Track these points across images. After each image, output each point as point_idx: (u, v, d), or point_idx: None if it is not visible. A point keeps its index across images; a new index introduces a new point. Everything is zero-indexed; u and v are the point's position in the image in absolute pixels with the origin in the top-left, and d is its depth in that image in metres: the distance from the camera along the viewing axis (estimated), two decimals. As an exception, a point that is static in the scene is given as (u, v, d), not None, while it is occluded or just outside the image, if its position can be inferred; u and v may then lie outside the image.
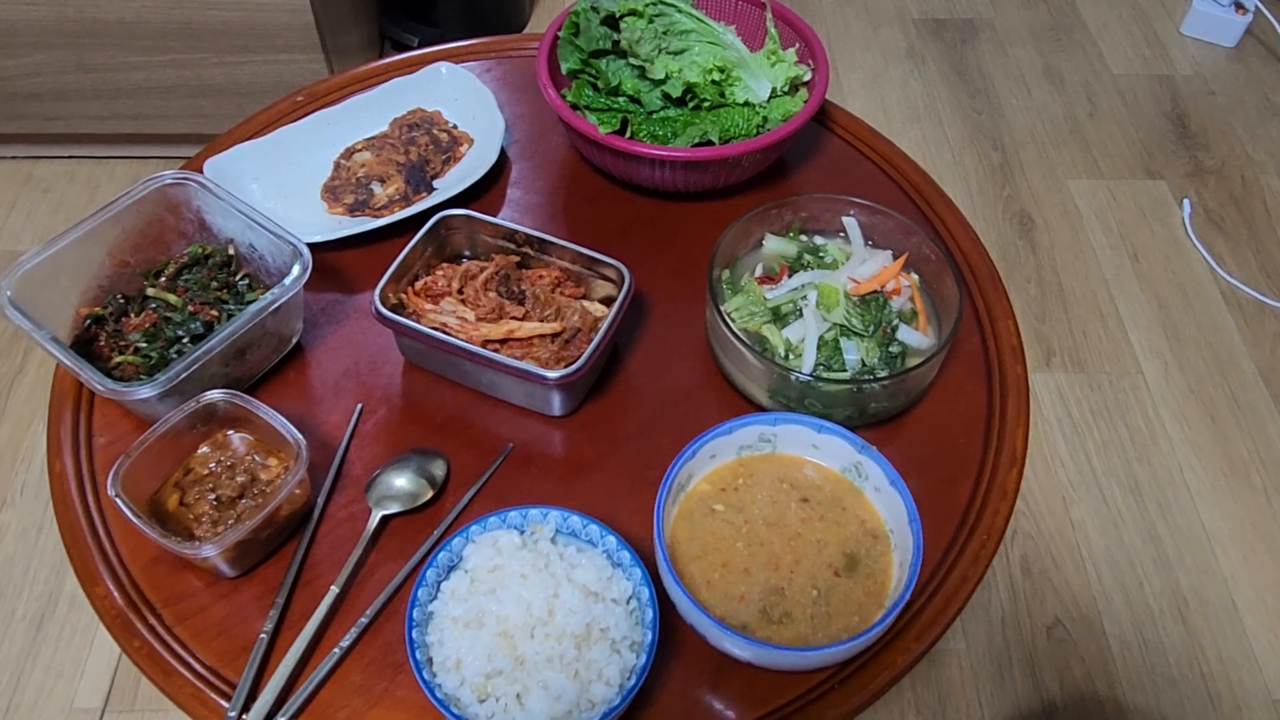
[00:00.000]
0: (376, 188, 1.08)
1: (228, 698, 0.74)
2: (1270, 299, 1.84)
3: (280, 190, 1.07)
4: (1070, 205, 2.02)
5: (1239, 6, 2.35)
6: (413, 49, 2.23)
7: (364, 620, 0.77)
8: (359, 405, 0.91)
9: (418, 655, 0.67)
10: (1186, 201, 2.00)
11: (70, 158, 2.02)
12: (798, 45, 1.11)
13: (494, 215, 1.00)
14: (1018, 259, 1.90)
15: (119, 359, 0.90)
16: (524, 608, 0.68)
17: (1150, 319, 1.82)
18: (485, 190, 1.08)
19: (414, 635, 0.68)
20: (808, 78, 1.09)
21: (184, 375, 0.81)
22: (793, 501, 0.80)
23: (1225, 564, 1.49)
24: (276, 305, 0.86)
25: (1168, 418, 1.67)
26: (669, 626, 0.73)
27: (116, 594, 0.79)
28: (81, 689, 1.33)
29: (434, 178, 1.09)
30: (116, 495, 0.75)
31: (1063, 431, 1.63)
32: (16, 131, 1.93)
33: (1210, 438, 1.65)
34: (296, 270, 0.87)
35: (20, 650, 1.36)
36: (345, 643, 0.76)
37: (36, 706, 1.32)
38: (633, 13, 1.05)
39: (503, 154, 1.11)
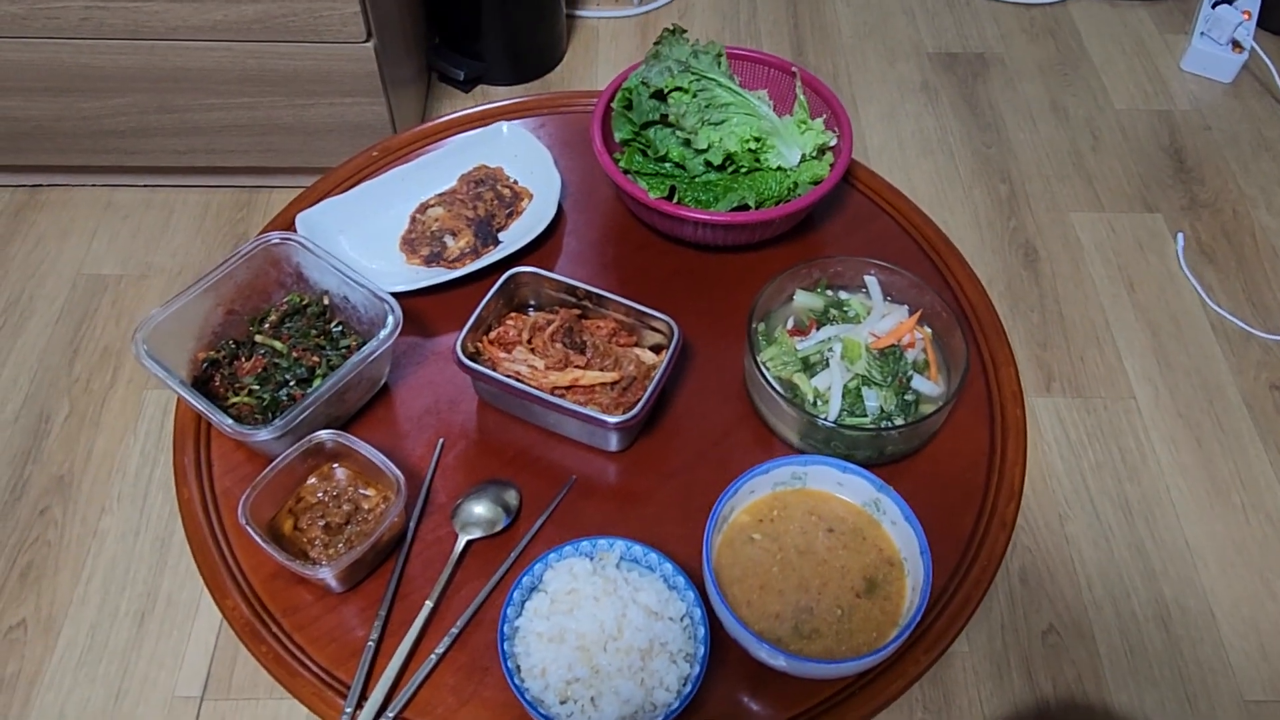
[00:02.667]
0: (449, 240, 1.16)
1: (343, 695, 0.83)
2: (1255, 329, 1.93)
3: (365, 242, 1.15)
4: (1072, 237, 2.09)
5: (1236, 45, 2.43)
6: (459, 82, 2.35)
7: (455, 630, 0.86)
8: (440, 440, 0.99)
9: (509, 664, 0.78)
10: (1180, 235, 2.08)
11: (146, 186, 2.12)
12: (825, 115, 1.20)
13: (552, 264, 1.10)
14: (1022, 288, 1.99)
15: (234, 399, 0.99)
16: (598, 625, 0.78)
17: (1144, 347, 1.90)
18: (544, 241, 1.16)
19: (505, 647, 0.78)
20: (833, 143, 1.18)
21: (298, 420, 0.91)
22: (820, 532, 0.88)
23: (1206, 577, 1.58)
24: (373, 356, 0.95)
25: (1157, 440, 1.75)
26: (715, 640, 0.82)
27: (244, 606, 0.89)
28: (181, 678, 1.44)
29: (499, 230, 1.17)
30: (247, 524, 0.85)
31: (1060, 453, 1.73)
32: (100, 163, 2.04)
33: (1196, 459, 1.73)
34: (390, 325, 0.96)
35: (125, 643, 1.47)
36: (440, 649, 0.85)
37: (143, 694, 1.43)
38: (678, 89, 1.15)
39: (559, 208, 1.18)
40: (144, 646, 1.47)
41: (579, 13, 2.59)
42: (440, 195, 1.20)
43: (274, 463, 0.90)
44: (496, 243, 1.16)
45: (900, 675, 0.86)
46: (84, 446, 1.70)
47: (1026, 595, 1.56)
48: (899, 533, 0.87)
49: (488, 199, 1.20)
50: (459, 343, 0.97)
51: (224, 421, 0.91)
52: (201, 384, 1.01)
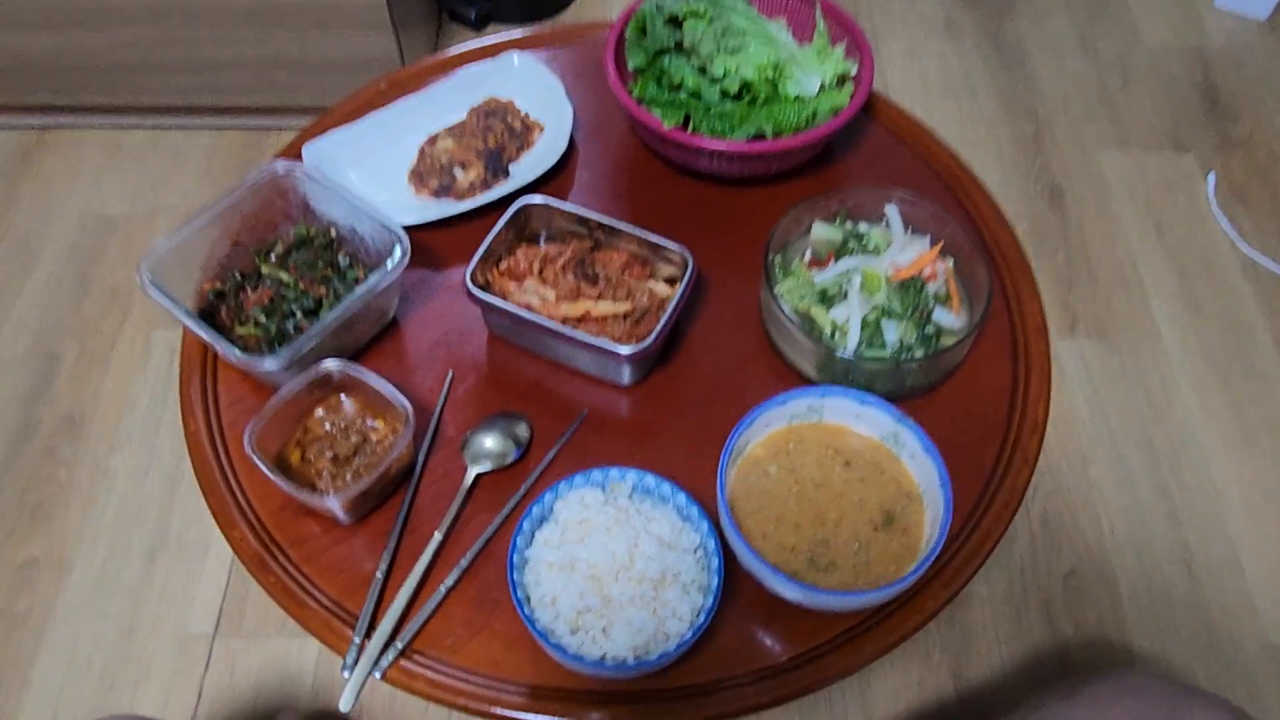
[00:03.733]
0: (459, 173, 1.14)
1: (351, 626, 0.84)
2: (1288, 270, 1.89)
3: (373, 174, 1.14)
4: (1100, 177, 2.05)
5: (1273, -21, 2.35)
6: (469, 20, 2.31)
7: (464, 563, 0.86)
8: (450, 372, 0.99)
9: (519, 594, 0.77)
10: (1212, 174, 2.03)
11: (154, 128, 2.10)
12: (845, 41, 1.17)
13: (564, 197, 1.08)
14: (1047, 229, 1.95)
15: (241, 330, 0.98)
16: (609, 555, 0.78)
17: (1172, 288, 1.86)
18: (556, 174, 1.14)
19: (515, 577, 0.78)
20: (854, 72, 1.15)
21: (304, 349, 0.90)
22: (837, 465, 0.88)
23: (1231, 521, 1.56)
24: (381, 287, 0.94)
25: (1184, 383, 1.73)
26: (729, 572, 0.81)
27: (251, 537, 0.89)
28: (193, 615, 1.45)
29: (510, 163, 1.15)
30: (253, 453, 0.84)
31: (1084, 395, 1.70)
32: (107, 102, 2.02)
33: (1223, 403, 1.71)
34: (398, 255, 0.95)
35: (137, 580, 1.48)
36: (449, 582, 0.85)
37: (155, 630, 1.44)
38: (693, 14, 1.12)
39: (571, 140, 1.17)
40: (155, 583, 1.48)
41: (593, -52, 2.53)
42: (450, 128, 1.19)
43: (280, 392, 0.89)
44: (507, 175, 1.14)
45: (918, 610, 0.85)
46: (93, 387, 1.70)
47: (1047, 539, 1.54)
48: (918, 466, 0.86)
49: (498, 131, 1.18)
50: (469, 273, 0.96)
51: (230, 351, 0.90)
52: (208, 316, 1.00)
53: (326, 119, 1.21)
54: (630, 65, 1.14)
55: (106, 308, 1.81)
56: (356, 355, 1.00)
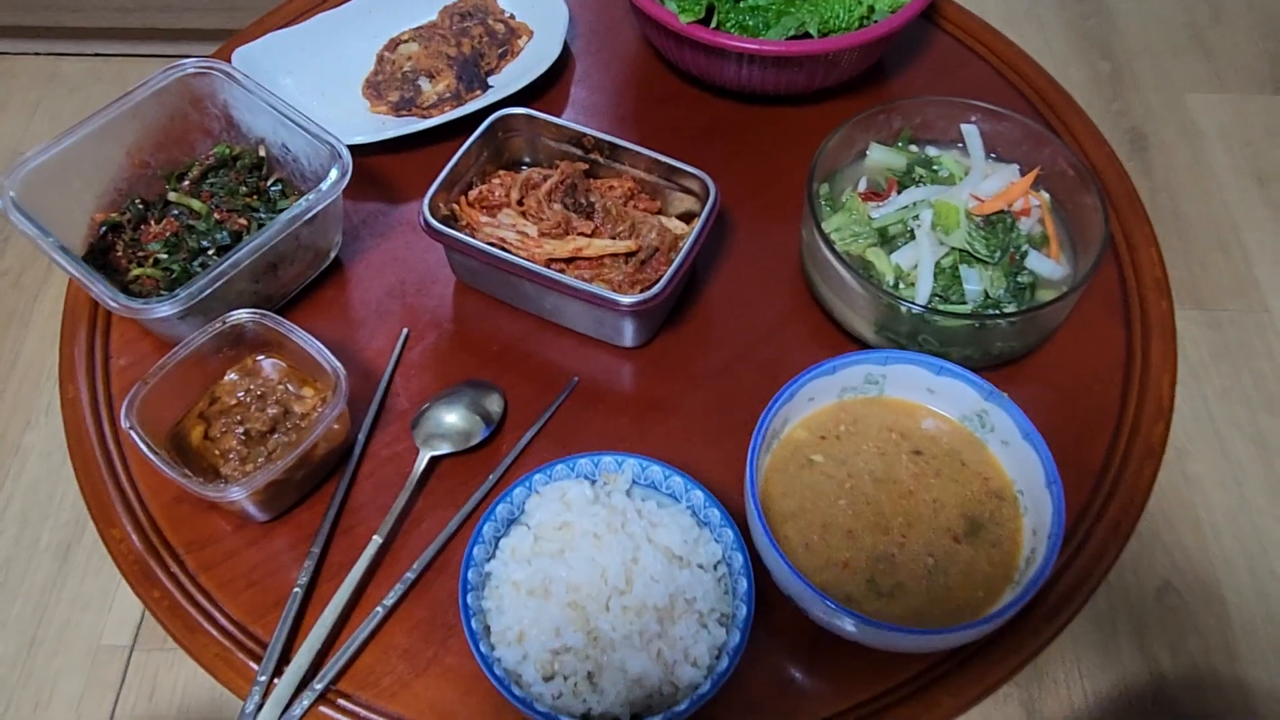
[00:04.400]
0: (424, 84, 1.06)
1: (257, 659, 0.71)
2: None
3: (318, 85, 1.06)
4: (1189, 122, 1.95)
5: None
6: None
7: (410, 575, 0.74)
8: (405, 330, 0.88)
9: (473, 624, 0.62)
10: (1324, 118, 1.91)
11: (96, 55, 2.01)
12: (910, -76, 1.02)
13: (555, 115, 0.94)
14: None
15: (137, 271, 0.87)
16: (598, 574, 0.64)
17: (1279, 250, 1.76)
18: (546, 89, 1.05)
19: (469, 600, 0.63)
20: (919, -39, 1.01)
21: (208, 291, 0.78)
22: (904, 454, 0.75)
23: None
24: (312, 213, 0.83)
25: (1300, 361, 1.61)
26: (761, 598, 0.69)
27: (135, 537, 0.77)
28: (110, 623, 1.34)
29: (489, 73, 1.06)
30: (131, 428, 0.72)
31: (1179, 376, 1.56)
32: (39, 24, 1.91)
33: (1348, 385, 1.59)
34: (335, 174, 0.84)
35: (45, 581, 1.37)
36: (389, 600, 0.73)
37: (62, 641, 1.33)
38: (721, -119, 0.96)
39: (565, 48, 1.08)
40: (67, 585, 1.38)
41: None
42: (416, 29, 1.10)
43: (176, 348, 0.77)
44: (485, 87, 1.05)
45: (1012, 651, 0.72)
46: (9, 349, 1.61)
47: (1137, 546, 1.44)
48: (1012, 456, 0.74)
49: (475, 35, 1.10)
50: (427, 201, 0.85)
51: (109, 294, 0.76)
52: (100, 254, 0.88)
53: (267, 20, 1.11)
54: (641, -52, 1.00)
55: (32, 260, 1.71)
56: (287, 306, 0.90)
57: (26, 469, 1.45)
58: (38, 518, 1.41)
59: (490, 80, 1.05)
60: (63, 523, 1.41)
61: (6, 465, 1.45)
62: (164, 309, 0.76)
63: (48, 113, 1.92)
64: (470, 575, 0.64)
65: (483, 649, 0.61)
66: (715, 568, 0.68)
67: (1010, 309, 0.82)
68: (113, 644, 1.31)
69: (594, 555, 0.64)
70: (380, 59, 1.07)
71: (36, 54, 1.99)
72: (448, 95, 1.03)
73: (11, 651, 1.31)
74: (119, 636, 1.31)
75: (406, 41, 1.08)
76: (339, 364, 0.75)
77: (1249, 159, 1.88)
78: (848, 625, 0.65)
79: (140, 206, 0.90)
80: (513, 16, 1.10)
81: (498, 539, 0.68)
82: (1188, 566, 1.40)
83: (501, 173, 0.91)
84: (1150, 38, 2.08)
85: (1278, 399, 1.57)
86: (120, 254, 0.88)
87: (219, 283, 0.77)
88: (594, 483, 0.71)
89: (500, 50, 1.08)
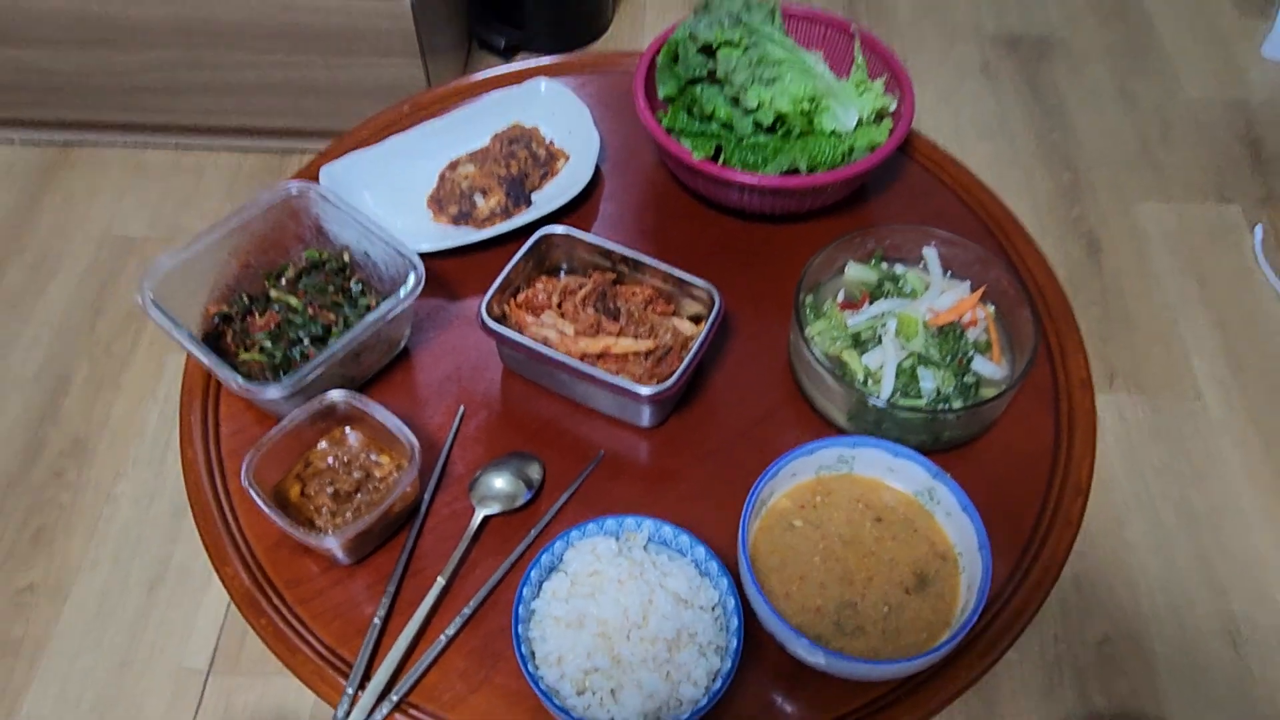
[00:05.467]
0: (479, 200, 1.11)
1: (345, 675, 0.79)
2: (1338, 330, 1.83)
3: (390, 199, 1.11)
4: (1139, 228, 2.01)
5: (1320, 31, 2.31)
6: (499, 49, 2.30)
7: (467, 611, 0.81)
8: (461, 408, 0.95)
9: (523, 649, 0.72)
10: (1259, 228, 1.98)
11: (177, 147, 2.09)
12: (884, 76, 1.13)
13: (587, 229, 1.04)
14: (1084, 280, 1.90)
15: (245, 356, 0.95)
16: (621, 612, 0.72)
17: (1213, 345, 1.81)
18: (580, 205, 1.11)
19: (519, 630, 0.73)
20: (894, 108, 1.11)
21: (310, 378, 0.86)
22: (867, 521, 0.82)
23: (1279, 590, 1.50)
24: (393, 315, 0.90)
25: (1226, 444, 1.66)
26: (749, 634, 0.76)
27: (244, 574, 0.85)
28: (189, 650, 1.40)
29: (532, 191, 1.12)
30: (249, 485, 0.80)
31: (1120, 453, 1.64)
32: (131, 121, 2.01)
33: (1269, 467, 1.64)
34: (411, 282, 0.91)
35: (135, 611, 1.44)
36: (450, 631, 0.80)
37: (149, 663, 1.39)
38: (728, 43, 1.08)
39: (597, 170, 1.14)
40: (153, 615, 1.44)
41: (627, -17, 2.52)
42: (472, 153, 1.16)
43: (282, 422, 0.85)
44: (529, 203, 1.11)
45: (950, 681, 0.80)
46: (102, 409, 1.67)
47: (1080, 603, 1.49)
48: (954, 524, 0.81)
49: (522, 158, 1.15)
50: (484, 303, 0.92)
51: (231, 378, 0.86)
52: (212, 340, 0.97)
53: (345, 141, 1.18)
54: (660, 94, 1.12)
55: (120, 329, 1.79)
56: (364, 386, 0.97)
57: (119, 514, 1.53)
58: (128, 556, 1.49)
59: (534, 197, 1.11)
60: (149, 561, 1.48)
61: (102, 510, 1.54)
62: (274, 391, 0.85)
63: (134, 198, 2.00)
64: (520, 610, 0.73)
65: (530, 669, 0.71)
66: (713, 609, 0.75)
67: (958, 404, 0.89)
68: (192, 668, 1.38)
69: (618, 597, 0.73)
70: (442, 177, 1.13)
71: (126, 145, 2.08)
72: (498, 210, 1.10)
73: (106, 670, 1.38)
74: (197, 661, 1.38)
75: (464, 163, 1.14)
76: (413, 437, 0.83)
77: (1191, 262, 1.93)
78: (819, 659, 0.73)
79: (246, 301, 0.98)
80: (553, 143, 1.16)
81: (541, 583, 0.76)
82: (1124, 621, 1.45)
83: (544, 278, 0.98)
84: (1106, 151, 2.15)
85: (1206, 475, 1.62)
86: (230, 340, 0.96)
87: (318, 370, 0.86)
88: (618, 539, 0.78)
89: (542, 172, 1.14)
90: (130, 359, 1.74)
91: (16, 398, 1.68)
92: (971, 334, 0.93)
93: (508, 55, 2.32)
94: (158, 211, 1.98)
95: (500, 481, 0.89)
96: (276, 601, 0.83)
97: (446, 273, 1.05)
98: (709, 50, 1.09)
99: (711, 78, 1.10)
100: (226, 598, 1.43)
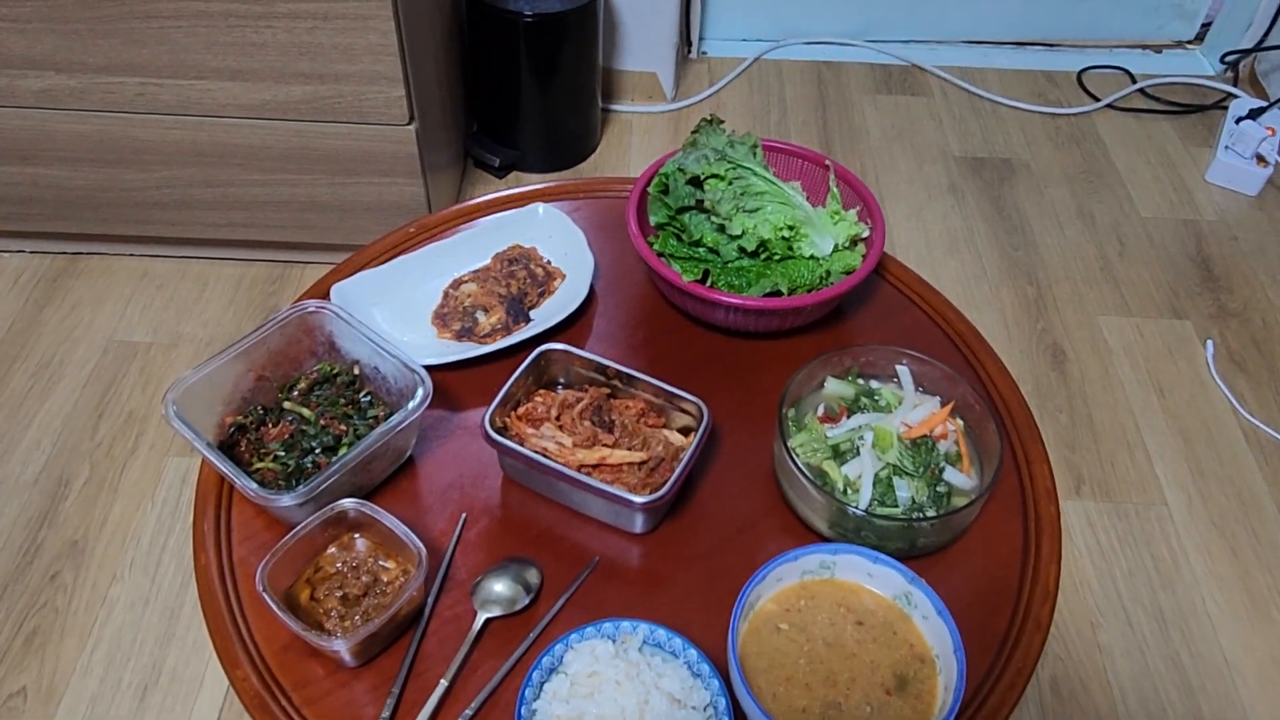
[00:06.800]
0: (481, 316, 1.16)
1: None
2: (1290, 439, 1.90)
3: (398, 315, 1.16)
4: (1100, 340, 2.08)
5: (1260, 159, 2.45)
6: (494, 168, 2.40)
7: (469, 712, 0.83)
8: (463, 515, 0.98)
9: (525, 749, 0.75)
10: (1210, 342, 2.07)
11: (183, 258, 2.16)
12: (858, 206, 1.21)
13: (582, 344, 1.09)
14: (1050, 390, 1.97)
15: (259, 464, 0.98)
16: (619, 711, 0.75)
17: (1175, 452, 1.87)
18: (576, 321, 1.16)
19: (522, 730, 0.76)
20: (866, 234, 1.18)
21: (322, 488, 0.90)
22: (849, 624, 0.86)
23: (1245, 693, 1.52)
24: (401, 427, 0.94)
25: (1191, 549, 1.71)
26: None
27: (254, 677, 0.86)
28: (181, 756, 1.40)
29: (531, 309, 1.18)
30: (264, 591, 0.83)
31: (1091, 559, 1.68)
32: (140, 233, 2.08)
33: (1232, 571, 1.68)
34: (420, 396, 0.96)
35: (126, 717, 1.43)
36: (453, 731, 0.82)
37: (140, 771, 1.39)
38: (714, 176, 1.16)
39: (591, 289, 1.18)
40: None
41: (613, 106, 2.65)
42: (474, 272, 1.21)
43: (295, 530, 0.89)
44: (528, 320, 1.17)
45: None
46: (100, 512, 1.69)
47: (1058, 706, 1.51)
48: (931, 628, 0.84)
49: (521, 277, 1.21)
50: (488, 416, 0.96)
51: (248, 485, 0.90)
52: (227, 449, 1.00)
53: (356, 259, 1.24)
54: (652, 220, 1.19)
55: (121, 432, 1.82)
56: (371, 493, 1.00)
57: (112, 618, 1.54)
58: (121, 660, 1.49)
59: (532, 314, 1.16)
60: (142, 665, 1.48)
61: (96, 613, 1.54)
62: (288, 499, 0.88)
63: (138, 306, 2.05)
64: (523, 711, 0.76)
65: None
66: (705, 709, 0.78)
67: (931, 513, 0.93)
68: None
69: (615, 697, 0.76)
70: (446, 295, 1.18)
71: (133, 255, 2.14)
72: (499, 326, 1.14)
73: (97, 777, 1.39)
74: None
75: (467, 282, 1.19)
76: (421, 544, 0.86)
77: (1150, 373, 2.01)
78: None
79: (260, 412, 1.02)
80: (550, 262, 1.22)
81: (542, 684, 0.79)
82: None
83: (543, 392, 1.03)
84: (1069, 267, 2.24)
85: (1173, 579, 1.65)
86: (244, 449, 1.00)
87: (330, 480, 0.90)
88: (615, 641, 0.81)
89: (540, 290, 1.19)
90: (130, 462, 1.77)
91: (16, 501, 1.70)
92: (943, 446, 0.98)
93: (502, 174, 2.42)
94: (161, 318, 2.03)
95: (500, 585, 0.92)
96: (285, 703, 0.85)
97: (449, 385, 1.09)
98: (697, 182, 1.17)
99: (699, 207, 1.17)
100: (218, 702, 1.44)
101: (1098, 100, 2.74)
